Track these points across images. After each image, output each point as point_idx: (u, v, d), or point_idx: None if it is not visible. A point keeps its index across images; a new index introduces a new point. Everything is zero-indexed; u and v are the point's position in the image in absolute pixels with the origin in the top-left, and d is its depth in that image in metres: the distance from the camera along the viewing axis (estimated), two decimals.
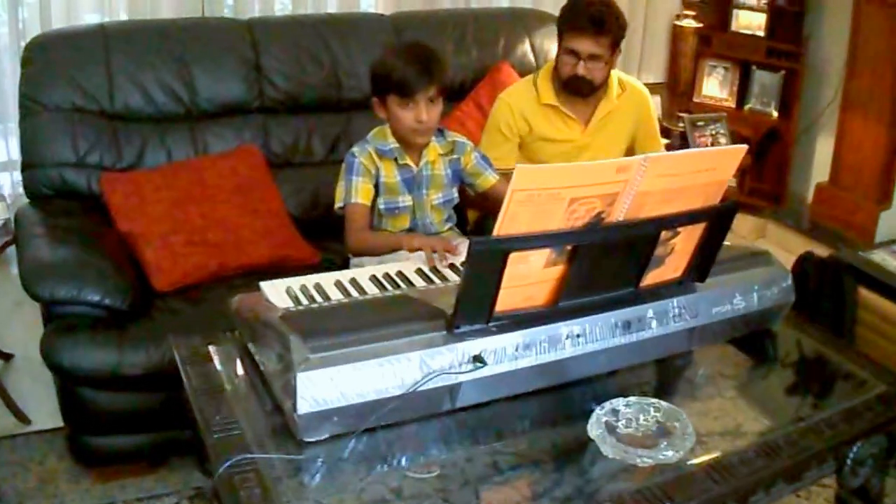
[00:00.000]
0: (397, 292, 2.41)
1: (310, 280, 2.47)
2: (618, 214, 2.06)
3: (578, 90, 3.52)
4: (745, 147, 2.22)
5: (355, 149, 3.13)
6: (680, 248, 2.29)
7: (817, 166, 5.50)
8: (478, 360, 2.06)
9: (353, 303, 2.31)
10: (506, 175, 3.25)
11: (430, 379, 2.01)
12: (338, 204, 3.12)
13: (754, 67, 5.50)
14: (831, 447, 2.26)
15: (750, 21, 5.44)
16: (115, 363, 2.91)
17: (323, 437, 2.00)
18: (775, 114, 5.48)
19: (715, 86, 5.63)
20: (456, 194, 3.30)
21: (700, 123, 4.84)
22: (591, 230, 2.04)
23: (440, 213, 3.26)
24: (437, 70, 3.02)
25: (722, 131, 4.89)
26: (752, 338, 2.59)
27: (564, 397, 2.28)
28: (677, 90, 5.45)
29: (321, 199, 3.69)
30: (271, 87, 3.76)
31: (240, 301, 2.39)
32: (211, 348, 2.39)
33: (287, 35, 3.85)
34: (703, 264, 2.37)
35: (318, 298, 2.36)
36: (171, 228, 3.27)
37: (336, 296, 2.39)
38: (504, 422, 2.18)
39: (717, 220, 2.28)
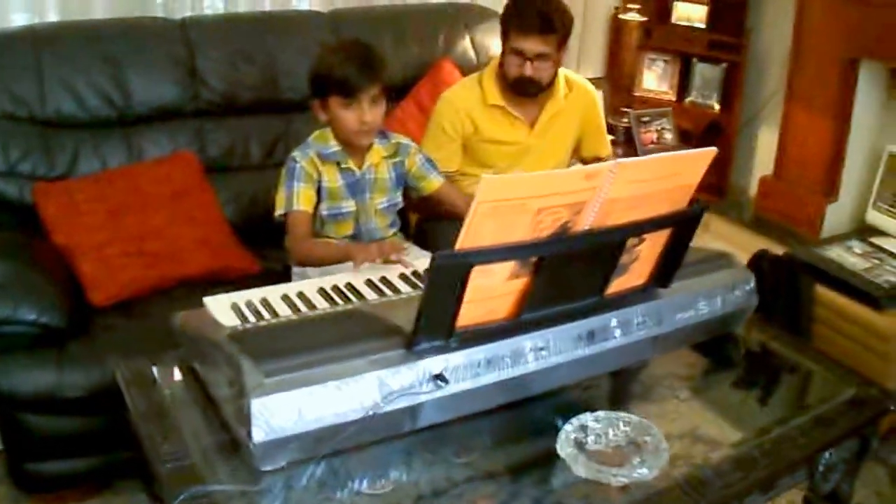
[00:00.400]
0: (349, 306, 2.28)
1: (255, 294, 2.34)
2: (584, 223, 1.97)
3: (525, 91, 3.43)
4: (714, 150, 2.16)
5: (296, 153, 3.01)
6: (645, 255, 2.21)
7: (760, 159, 5.45)
8: (439, 378, 1.96)
9: (304, 319, 2.19)
10: (448, 177, 3.17)
11: (391, 401, 1.91)
12: (278, 211, 3.00)
13: (695, 60, 5.42)
14: (805, 455, 2.21)
15: (690, 13, 5.36)
16: (54, 385, 2.78)
17: (280, 466, 1.89)
18: (717, 107, 5.42)
19: (654, 79, 5.54)
20: (400, 198, 3.20)
21: (645, 119, 4.80)
22: (557, 240, 1.95)
23: (384, 217, 3.16)
24: (379, 68, 2.92)
25: (667, 126, 4.85)
26: (713, 342, 2.53)
27: (526, 411, 2.19)
28: (619, 84, 5.36)
29: (260, 205, 3.56)
30: (206, 89, 3.62)
31: (183, 318, 2.26)
32: (154, 369, 2.27)
33: (222, 34, 3.71)
34: (667, 270, 2.30)
35: (266, 315, 2.23)
36: (106, 239, 3.12)
37: (284, 311, 2.26)
38: (465, 439, 2.08)
39: (683, 225, 2.21)
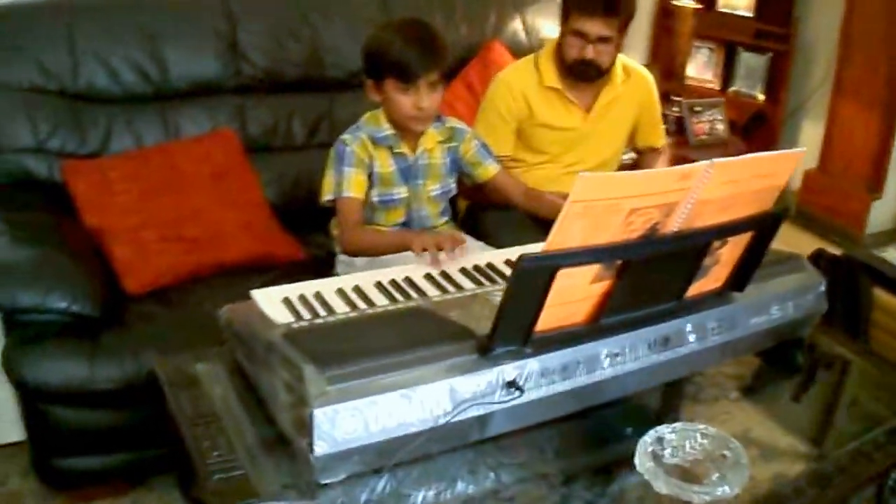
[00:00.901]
0: (410, 303, 2.14)
1: (307, 288, 2.19)
2: (673, 225, 1.83)
3: (585, 75, 3.29)
4: (803, 150, 2.04)
5: (346, 136, 2.86)
6: (726, 258, 2.08)
7: (806, 152, 5.30)
8: (513, 386, 1.82)
9: (364, 318, 2.04)
10: (501, 161, 3.07)
11: (462, 411, 1.78)
12: (326, 196, 2.86)
13: (740, 49, 5.29)
14: (880, 471, 2.08)
15: (736, 1, 5.22)
16: (86, 377, 2.64)
17: (339, 478, 1.75)
18: (761, 97, 5.30)
19: (698, 68, 5.41)
20: (454, 185, 3.07)
21: (698, 109, 4.65)
22: (646, 243, 1.81)
23: (436, 205, 3.03)
24: (440, 52, 2.77)
25: (719, 117, 4.70)
26: (777, 348, 2.40)
27: (592, 419, 2.06)
28: (671, 72, 5.21)
29: (303, 187, 3.44)
30: (248, 65, 3.47)
31: (230, 312, 2.12)
32: (199, 367, 2.13)
33: (265, 7, 3.54)
34: (745, 274, 2.16)
35: (321, 311, 2.09)
36: (141, 222, 2.99)
37: (340, 308, 2.12)
38: (532, 448, 1.97)
39: (766, 227, 2.08)
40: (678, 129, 4.73)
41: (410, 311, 2.07)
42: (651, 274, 1.92)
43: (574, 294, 1.82)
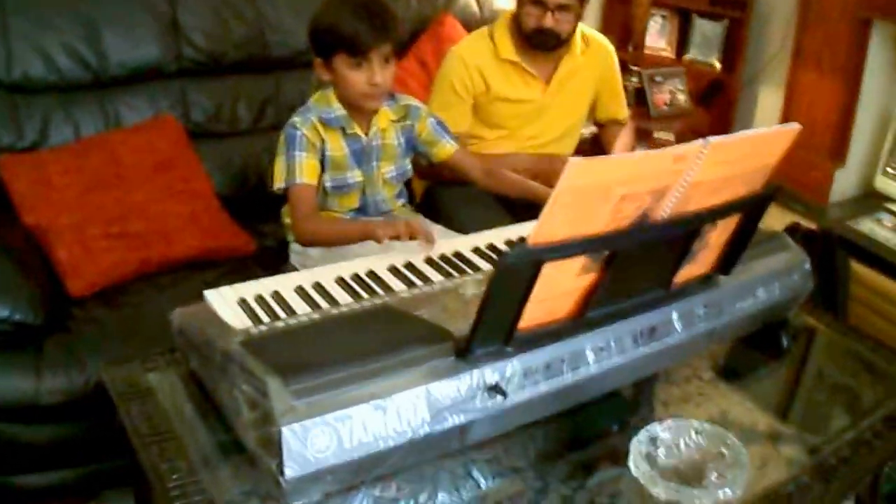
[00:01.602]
0: (376, 301, 1.98)
1: (264, 287, 2.04)
2: (664, 210, 1.69)
3: (544, 44, 3.15)
4: (797, 127, 1.91)
5: (296, 118, 2.70)
6: (714, 241, 1.96)
7: (763, 121, 5.22)
8: (496, 390, 1.68)
9: (328, 320, 1.87)
10: (457, 138, 2.94)
11: (442, 420, 1.64)
12: (278, 184, 2.69)
13: (695, 16, 5.16)
14: (882, 461, 2.02)
15: None
16: (32, 392, 2.46)
17: (314, 500, 1.60)
18: (718, 65, 5.17)
19: (652, 35, 5.26)
20: (409, 165, 2.92)
21: (658, 79, 4.52)
22: (638, 231, 1.67)
23: (392, 187, 2.88)
24: (391, 23, 2.61)
25: (680, 87, 4.59)
26: (761, 330, 2.29)
27: (576, 416, 1.93)
28: (625, 41, 5.07)
29: (250, 174, 3.30)
30: (190, 47, 3.27)
31: (182, 317, 1.95)
32: (150, 377, 1.96)
33: None
34: (732, 256, 2.05)
35: (281, 313, 1.93)
36: (83, 219, 2.79)
37: (301, 308, 1.96)
38: (516, 451, 1.84)
39: (755, 208, 1.96)
40: (638, 101, 4.60)
41: (378, 311, 1.91)
42: (639, 262, 1.79)
43: (558, 288, 1.68)
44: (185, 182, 2.98)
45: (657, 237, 1.73)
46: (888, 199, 4.26)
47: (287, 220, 2.82)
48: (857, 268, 3.27)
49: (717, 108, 5.23)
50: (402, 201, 2.95)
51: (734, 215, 1.91)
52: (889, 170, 4.38)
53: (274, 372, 1.57)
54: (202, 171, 3.08)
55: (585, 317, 1.78)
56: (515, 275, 1.56)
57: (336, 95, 2.70)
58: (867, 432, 2.00)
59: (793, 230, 3.34)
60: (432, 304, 1.90)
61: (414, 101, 2.88)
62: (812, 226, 3.46)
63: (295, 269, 2.79)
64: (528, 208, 2.79)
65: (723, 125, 5.20)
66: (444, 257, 2.25)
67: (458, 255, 2.27)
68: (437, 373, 1.65)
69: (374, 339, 1.75)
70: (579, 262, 1.65)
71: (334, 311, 1.92)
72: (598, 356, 1.83)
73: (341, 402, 1.55)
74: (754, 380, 2.23)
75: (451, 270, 2.18)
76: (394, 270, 2.17)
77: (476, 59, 3.20)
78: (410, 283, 2.10)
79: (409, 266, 2.20)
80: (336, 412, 1.54)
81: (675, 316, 1.97)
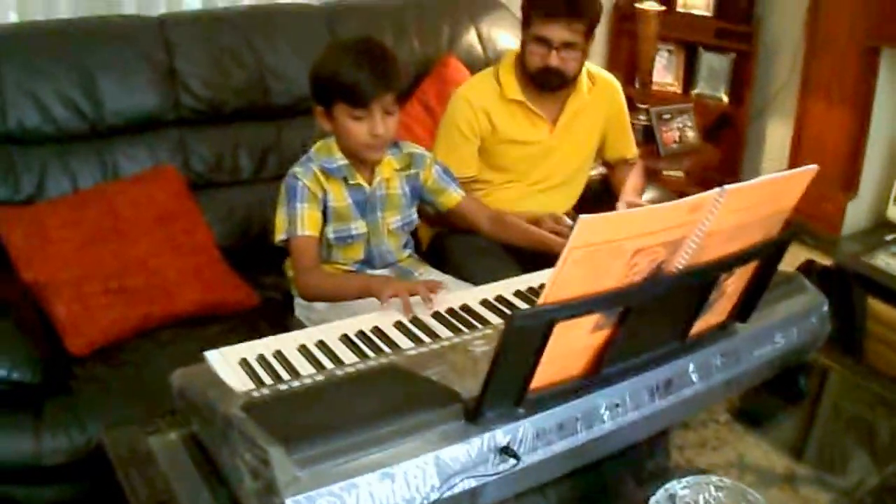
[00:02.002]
0: (381, 359, 1.90)
1: (266, 346, 1.97)
2: (679, 261, 1.62)
3: (549, 84, 3.09)
4: (815, 168, 1.83)
5: (297, 169, 2.64)
6: (731, 290, 1.90)
7: (772, 153, 5.16)
8: (508, 453, 1.61)
9: (333, 382, 1.80)
10: (464, 183, 2.89)
11: (452, 486, 1.56)
12: (280, 236, 2.64)
13: (702, 50, 5.11)
14: None
15: (696, 0, 5.04)
16: (32, 452, 2.39)
17: None
18: (725, 98, 5.12)
19: (659, 70, 5.21)
20: (416, 215, 2.86)
21: (666, 116, 4.45)
22: (652, 285, 1.60)
23: (397, 238, 2.81)
24: (393, 74, 2.55)
25: (689, 124, 4.51)
26: (779, 375, 2.21)
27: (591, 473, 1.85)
28: (631, 77, 5.02)
29: (253, 225, 3.22)
30: (188, 95, 3.22)
31: (183, 378, 1.87)
32: (152, 441, 1.89)
33: (204, 33, 3.28)
34: (749, 303, 1.98)
35: (284, 373, 1.86)
36: (82, 274, 2.72)
37: (305, 368, 1.89)
38: None
39: (772, 254, 1.90)
40: (646, 139, 4.53)
41: (384, 371, 1.84)
42: (655, 316, 1.72)
43: (572, 346, 1.62)
44: (186, 234, 2.91)
45: (672, 290, 1.66)
46: None
47: (290, 273, 2.75)
48: (874, 304, 3.19)
49: (725, 142, 5.16)
50: (408, 251, 2.89)
51: (751, 262, 1.84)
52: None
53: (276, 440, 1.50)
54: (203, 222, 3.02)
55: (600, 374, 1.71)
56: (526, 335, 1.49)
57: (338, 144, 2.64)
58: (892, 478, 1.92)
59: (807, 268, 3.26)
60: (440, 362, 1.83)
61: (419, 149, 2.83)
62: (826, 262, 3.37)
63: (301, 323, 2.74)
64: (537, 258, 2.71)
65: (732, 159, 5.15)
66: (451, 311, 2.18)
67: (465, 308, 2.20)
68: (446, 437, 1.58)
69: (380, 402, 1.68)
70: (593, 318, 1.58)
71: (338, 371, 1.85)
72: (613, 413, 1.76)
73: (347, 471, 1.48)
74: (772, 423, 2.16)
75: (458, 325, 2.11)
76: (400, 326, 2.11)
77: (482, 100, 3.13)
78: (417, 340, 2.04)
79: (416, 321, 2.13)
80: (342, 482, 1.47)
81: (691, 367, 1.90)
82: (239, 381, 1.81)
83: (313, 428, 1.56)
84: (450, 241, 3.10)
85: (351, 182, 2.65)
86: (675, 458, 1.95)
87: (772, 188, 1.72)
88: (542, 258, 2.58)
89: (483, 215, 2.89)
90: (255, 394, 1.72)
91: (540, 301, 1.45)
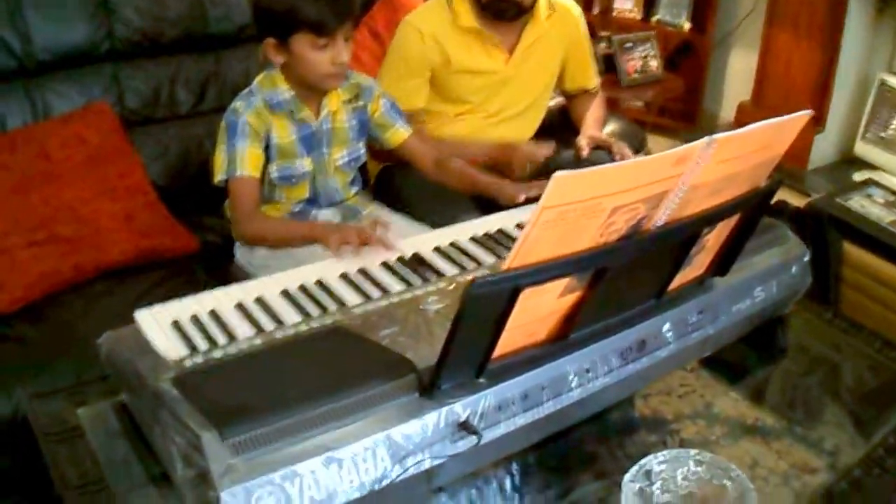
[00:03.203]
0: (326, 319, 1.73)
1: (201, 304, 1.79)
2: (660, 216, 1.46)
3: (503, 14, 2.90)
4: (809, 113, 1.68)
5: (238, 104, 2.45)
6: (711, 243, 1.74)
7: (735, 84, 5.02)
8: (467, 429, 1.46)
9: (274, 348, 1.62)
10: (412, 117, 2.75)
11: (405, 467, 1.41)
12: (219, 176, 2.45)
13: None
14: None
15: None
16: None
17: None
18: (687, 26, 4.94)
19: None
20: (363, 150, 2.69)
21: (628, 45, 4.29)
22: (629, 245, 1.44)
23: (345, 175, 2.65)
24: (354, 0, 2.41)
25: (652, 53, 4.37)
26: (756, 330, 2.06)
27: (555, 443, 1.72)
28: (589, 3, 4.83)
29: (191, 162, 3.03)
30: (123, 26, 2.98)
31: (111, 343, 1.69)
32: (81, 413, 1.72)
33: None
34: (729, 256, 1.83)
35: (220, 337, 1.68)
36: (10, 225, 2.52)
37: (243, 330, 1.70)
38: (492, 494, 1.64)
39: (757, 205, 1.74)
40: (607, 68, 4.36)
41: (328, 335, 1.66)
42: (631, 276, 1.56)
43: (539, 311, 1.46)
44: (120, 177, 2.71)
45: (651, 249, 1.50)
46: (868, 165, 4.15)
47: (233, 220, 2.57)
48: (849, 249, 3.04)
49: (686, 71, 5.01)
50: (355, 189, 2.72)
51: (736, 215, 1.68)
52: (869, 135, 4.22)
53: (210, 422, 1.34)
54: (138, 162, 2.81)
55: (568, 339, 1.55)
56: (488, 303, 1.33)
57: (285, 76, 2.45)
58: (879, 448, 1.79)
59: (779, 210, 3.10)
60: (390, 322, 1.66)
61: (367, 80, 2.65)
62: (794, 200, 3.21)
63: (242, 269, 2.58)
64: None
65: (693, 89, 5.00)
66: (401, 260, 2.01)
67: (417, 257, 2.03)
68: (398, 414, 1.42)
69: (325, 373, 1.52)
70: (563, 282, 1.42)
71: (279, 333, 1.67)
72: (583, 378, 1.61)
73: (288, 456, 1.33)
74: (740, 371, 2.04)
75: (409, 277, 1.94)
76: (345, 279, 1.93)
77: (433, 28, 2.93)
78: (365, 295, 1.86)
79: (363, 273, 1.96)
80: (282, 470, 1.31)
81: (666, 326, 1.76)
82: (171, 347, 1.63)
83: (250, 406, 1.40)
84: (399, 177, 2.94)
85: (297, 116, 2.47)
86: (639, 406, 1.85)
87: (763, 135, 1.55)
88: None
89: (428, 157, 2.72)
90: (188, 363, 1.56)
91: (505, 265, 1.28)
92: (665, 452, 1.61)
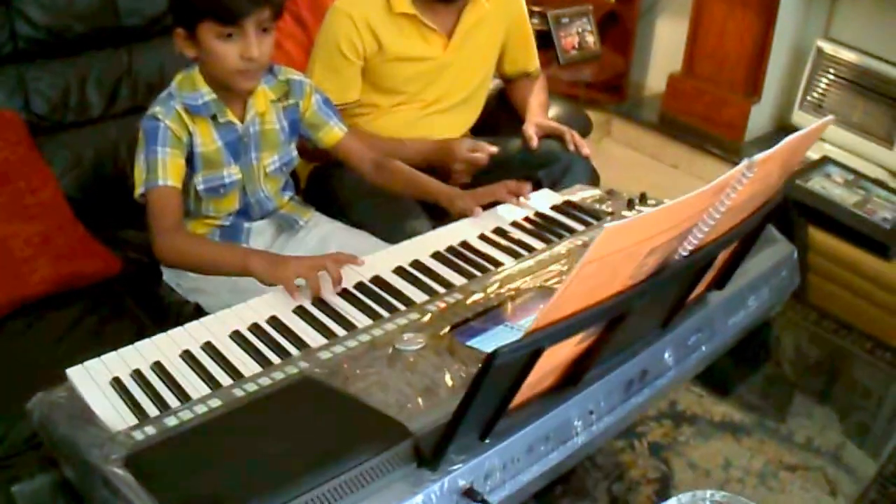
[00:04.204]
0: (290, 369, 1.51)
1: (142, 355, 1.57)
2: (686, 246, 1.26)
3: None
4: (831, 119, 1.56)
5: (157, 108, 2.17)
6: (718, 262, 1.58)
7: (664, 54, 4.86)
8: (472, 497, 1.27)
9: (235, 413, 1.39)
10: (346, 110, 2.56)
11: None
12: (139, 189, 2.17)
13: None
14: None
15: None
16: None
17: None
18: None
19: None
20: (295, 153, 2.43)
21: (565, 20, 4.09)
22: (654, 284, 1.25)
23: (276, 181, 2.40)
24: None
25: (588, 28, 4.18)
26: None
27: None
28: None
29: (105, 171, 2.72)
30: (26, 24, 2.66)
31: (44, 408, 1.46)
32: (15, 494, 1.48)
33: None
34: (729, 270, 1.69)
35: (171, 399, 1.45)
36: None
37: (196, 387, 1.49)
38: None
39: (769, 217, 1.59)
40: (541, 45, 4.16)
41: (298, 390, 1.44)
42: (645, 310, 1.37)
43: (553, 361, 1.26)
44: (31, 193, 2.40)
45: (675, 280, 1.32)
46: None
47: (153, 240, 2.31)
48: (813, 234, 2.90)
49: (612, 42, 4.85)
50: (288, 194, 2.48)
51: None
52: (807, 104, 4.12)
53: None
54: (50, 175, 2.51)
55: (580, 384, 1.37)
56: (507, 370, 1.12)
57: (203, 75, 2.20)
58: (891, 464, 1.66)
59: None
60: (365, 369, 1.46)
61: (297, 75, 2.40)
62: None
63: (171, 292, 2.37)
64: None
65: (620, 58, 4.84)
66: (361, 287, 1.80)
67: (378, 280, 1.82)
68: (394, 492, 1.23)
69: (302, 443, 1.30)
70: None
71: (238, 390, 1.45)
72: (587, 422, 1.45)
73: None
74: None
75: (374, 306, 1.73)
76: (302, 313, 1.71)
77: (364, 14, 2.70)
78: (329, 332, 1.64)
79: (320, 304, 1.74)
80: None
81: (667, 353, 1.61)
82: (114, 413, 1.41)
83: (222, 493, 1.18)
84: (334, 179, 2.72)
85: (221, 120, 2.22)
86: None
87: (792, 147, 1.37)
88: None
89: (366, 159, 2.49)
90: (138, 435, 1.33)
91: (531, 327, 1.08)
92: (685, 495, 1.46)
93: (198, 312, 2.24)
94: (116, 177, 2.65)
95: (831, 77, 4.12)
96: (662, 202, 2.08)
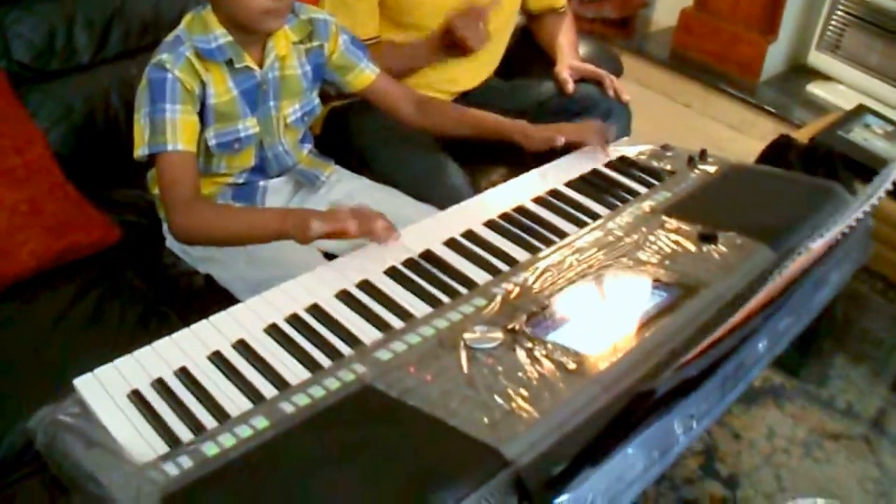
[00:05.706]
0: (344, 374, 1.30)
1: (164, 357, 1.36)
2: None
3: None
4: None
5: (164, 56, 1.91)
6: None
7: None
8: None
9: (292, 438, 1.18)
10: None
11: None
12: (140, 150, 1.92)
13: None
14: None
15: None
16: None
17: None
18: None
19: None
20: (317, 101, 2.18)
21: None
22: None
23: (295, 132, 2.15)
24: None
25: None
26: None
27: None
28: None
29: (96, 123, 2.47)
30: None
31: (48, 427, 1.25)
32: None
33: None
34: None
35: (206, 418, 1.24)
36: None
37: (235, 400, 1.27)
38: None
39: None
40: None
41: (360, 406, 1.23)
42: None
43: None
44: (17, 153, 2.14)
45: None
46: (820, 75, 4.08)
47: (156, 191, 2.09)
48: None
49: None
50: (307, 147, 2.24)
51: None
52: (824, 44, 4.03)
53: None
54: (37, 131, 2.25)
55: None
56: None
57: (219, 15, 1.94)
58: None
59: (785, 145, 2.72)
60: (436, 377, 1.26)
61: (321, 14, 2.14)
62: (798, 136, 2.83)
63: (176, 259, 2.15)
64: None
65: None
66: (411, 264, 1.58)
67: (429, 256, 1.61)
68: None
69: (374, 479, 1.09)
70: None
71: (286, 405, 1.23)
72: (687, 427, 1.28)
73: None
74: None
75: (433, 289, 1.51)
76: (348, 298, 1.49)
77: None
78: (381, 323, 1.43)
79: (368, 287, 1.52)
80: None
81: (761, 343, 1.46)
82: (138, 437, 1.20)
83: None
84: (353, 125, 2.49)
85: (237, 66, 1.97)
86: None
87: None
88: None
89: (407, 98, 2.26)
90: (171, 470, 1.11)
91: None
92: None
93: (208, 285, 2.02)
94: (109, 129, 2.41)
95: (850, 16, 3.95)
96: (723, 159, 1.91)
